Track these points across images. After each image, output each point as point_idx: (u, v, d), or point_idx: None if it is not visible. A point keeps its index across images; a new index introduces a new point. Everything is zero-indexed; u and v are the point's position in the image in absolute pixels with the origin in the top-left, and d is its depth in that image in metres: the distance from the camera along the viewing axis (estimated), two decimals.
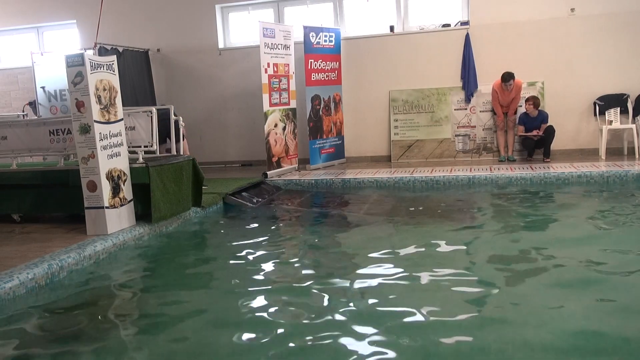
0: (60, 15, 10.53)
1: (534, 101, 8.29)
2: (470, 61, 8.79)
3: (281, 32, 8.49)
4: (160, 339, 3.26)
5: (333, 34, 9.02)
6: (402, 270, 4.13)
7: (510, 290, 3.72)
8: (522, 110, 8.55)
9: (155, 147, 5.99)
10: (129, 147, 5.66)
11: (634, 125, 8.18)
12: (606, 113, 8.36)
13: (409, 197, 6.98)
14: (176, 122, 6.65)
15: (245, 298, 3.79)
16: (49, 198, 5.89)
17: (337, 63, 9.17)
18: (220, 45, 9.98)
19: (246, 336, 3.21)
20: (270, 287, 4.02)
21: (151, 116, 5.97)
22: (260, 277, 4.23)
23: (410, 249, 4.69)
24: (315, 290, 3.86)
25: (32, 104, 10.00)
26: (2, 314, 3.67)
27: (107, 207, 5.16)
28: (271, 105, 8.29)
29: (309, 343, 3.05)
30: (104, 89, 5.15)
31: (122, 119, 5.42)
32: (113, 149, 5.27)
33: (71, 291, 4.11)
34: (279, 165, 8.47)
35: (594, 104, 8.52)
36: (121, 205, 5.33)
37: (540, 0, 8.57)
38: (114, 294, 4.12)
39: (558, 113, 8.54)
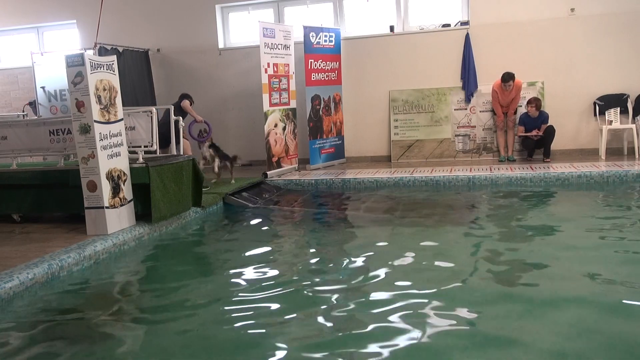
0: (60, 15, 10.53)
1: (536, 103, 8.27)
2: (470, 61, 8.79)
3: (281, 32, 8.49)
4: (160, 339, 3.26)
5: (333, 34, 9.02)
6: (401, 270, 4.14)
7: (508, 291, 3.72)
8: (522, 110, 8.56)
9: (156, 147, 6.00)
10: (129, 147, 5.66)
11: (634, 125, 8.18)
12: (606, 113, 8.36)
13: (408, 197, 6.97)
14: (176, 123, 6.66)
15: (246, 298, 3.79)
16: (49, 198, 5.89)
17: (337, 63, 9.17)
18: (220, 45, 9.99)
19: (246, 335, 3.22)
20: (270, 286, 4.01)
21: (151, 116, 5.98)
22: (260, 276, 4.23)
23: (410, 249, 4.68)
24: (315, 289, 3.86)
25: (32, 104, 10.01)
26: (2, 313, 3.67)
27: (107, 207, 5.16)
28: (271, 105, 8.30)
29: (310, 342, 3.05)
30: (104, 89, 5.15)
31: (122, 119, 5.42)
32: (113, 149, 5.27)
33: (71, 291, 4.11)
34: (279, 165, 8.47)
35: (594, 104, 8.52)
36: (121, 205, 5.33)
37: (540, 0, 8.58)
38: (114, 294, 4.12)
39: (558, 113, 8.54)
